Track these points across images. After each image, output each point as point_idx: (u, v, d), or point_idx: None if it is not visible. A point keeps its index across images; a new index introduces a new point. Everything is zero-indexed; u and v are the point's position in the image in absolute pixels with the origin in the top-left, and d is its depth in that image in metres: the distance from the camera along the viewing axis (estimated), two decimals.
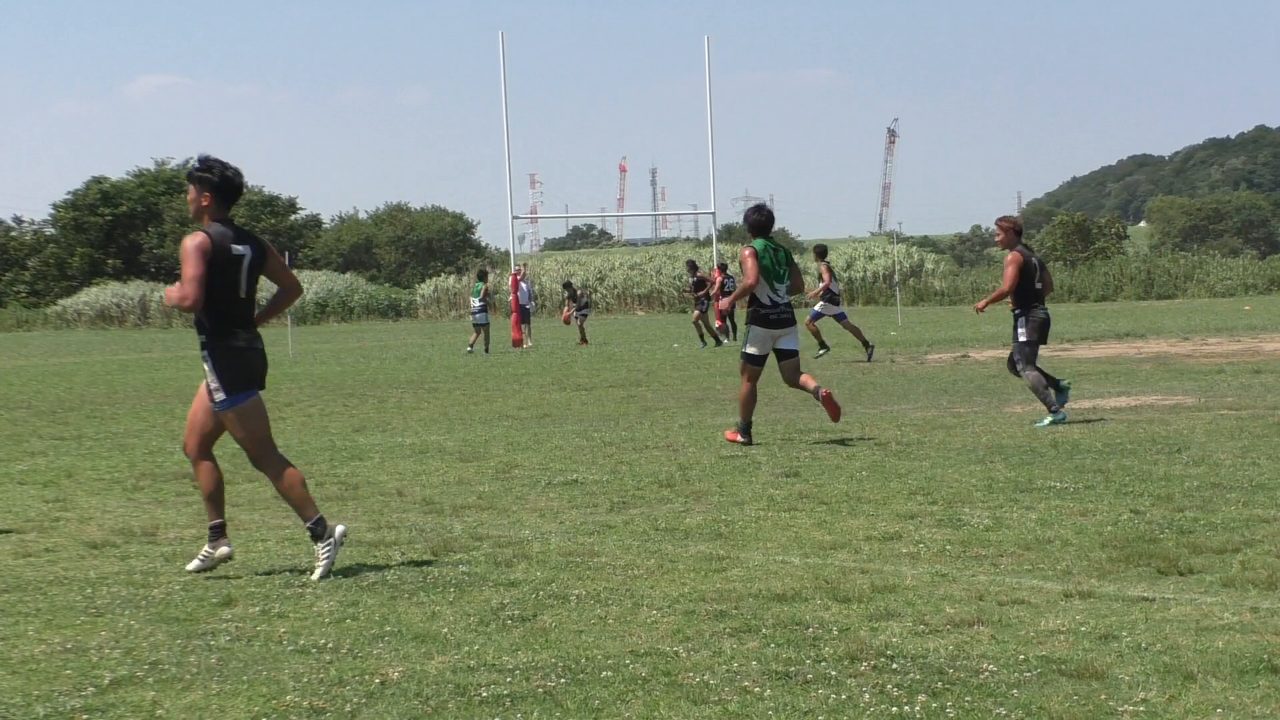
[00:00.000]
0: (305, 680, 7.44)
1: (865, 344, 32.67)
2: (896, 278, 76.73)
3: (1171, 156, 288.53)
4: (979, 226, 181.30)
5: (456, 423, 20.46)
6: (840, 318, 34.63)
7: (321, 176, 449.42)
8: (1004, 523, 11.21)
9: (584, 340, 45.13)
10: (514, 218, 51.63)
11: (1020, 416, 18.85)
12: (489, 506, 12.98)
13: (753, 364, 17.34)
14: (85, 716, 6.96)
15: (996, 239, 19.29)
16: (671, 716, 6.68)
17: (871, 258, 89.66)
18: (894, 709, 6.66)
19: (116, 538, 11.87)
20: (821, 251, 34.83)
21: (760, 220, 17.49)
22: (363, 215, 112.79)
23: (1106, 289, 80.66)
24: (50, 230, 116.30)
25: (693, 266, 46.51)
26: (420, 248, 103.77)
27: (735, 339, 42.86)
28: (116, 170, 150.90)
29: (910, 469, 14.34)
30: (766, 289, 17.13)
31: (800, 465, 14.86)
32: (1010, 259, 18.63)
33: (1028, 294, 18.51)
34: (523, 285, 46.44)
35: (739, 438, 16.96)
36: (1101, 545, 10.24)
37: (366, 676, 7.46)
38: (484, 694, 7.08)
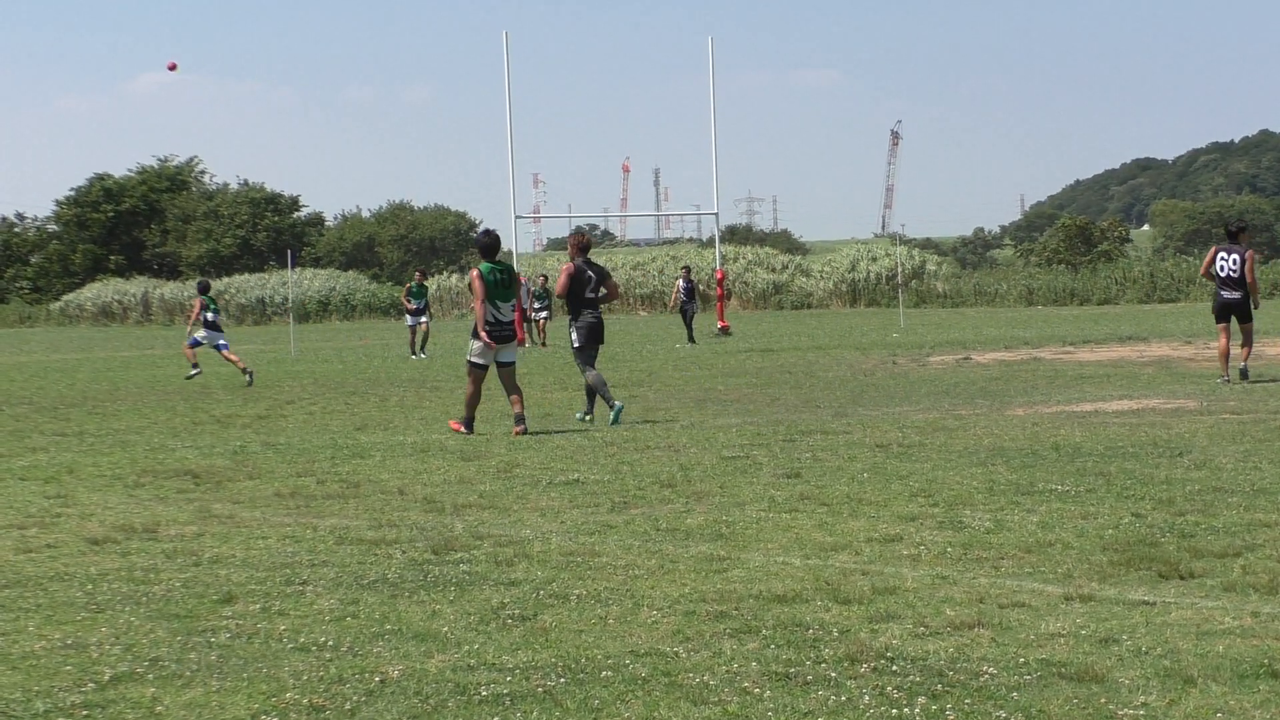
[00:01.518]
0: (305, 678, 7.44)
1: (245, 371, 31.85)
2: (899, 279, 76.72)
3: (1175, 160, 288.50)
4: (981, 229, 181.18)
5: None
6: (222, 348, 33.73)
7: (324, 174, 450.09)
8: (1005, 525, 11.21)
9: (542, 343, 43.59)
10: (517, 217, 51.60)
11: (1022, 419, 18.85)
12: (490, 505, 12.98)
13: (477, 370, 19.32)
14: (85, 713, 6.96)
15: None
16: (671, 717, 6.68)
17: (874, 259, 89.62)
18: (894, 711, 6.66)
19: (117, 534, 11.87)
20: (203, 287, 34.36)
21: (487, 243, 19.55)
22: (365, 214, 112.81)
23: (1109, 292, 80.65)
24: (53, 227, 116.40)
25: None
26: (423, 246, 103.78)
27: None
28: (119, 167, 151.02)
29: (912, 471, 14.33)
30: (491, 308, 19.14)
31: (801, 466, 14.86)
32: None
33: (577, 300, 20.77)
34: (526, 286, 46.49)
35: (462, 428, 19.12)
36: (1102, 549, 10.23)
37: (366, 674, 7.46)
38: (484, 693, 7.08)
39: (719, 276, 55.56)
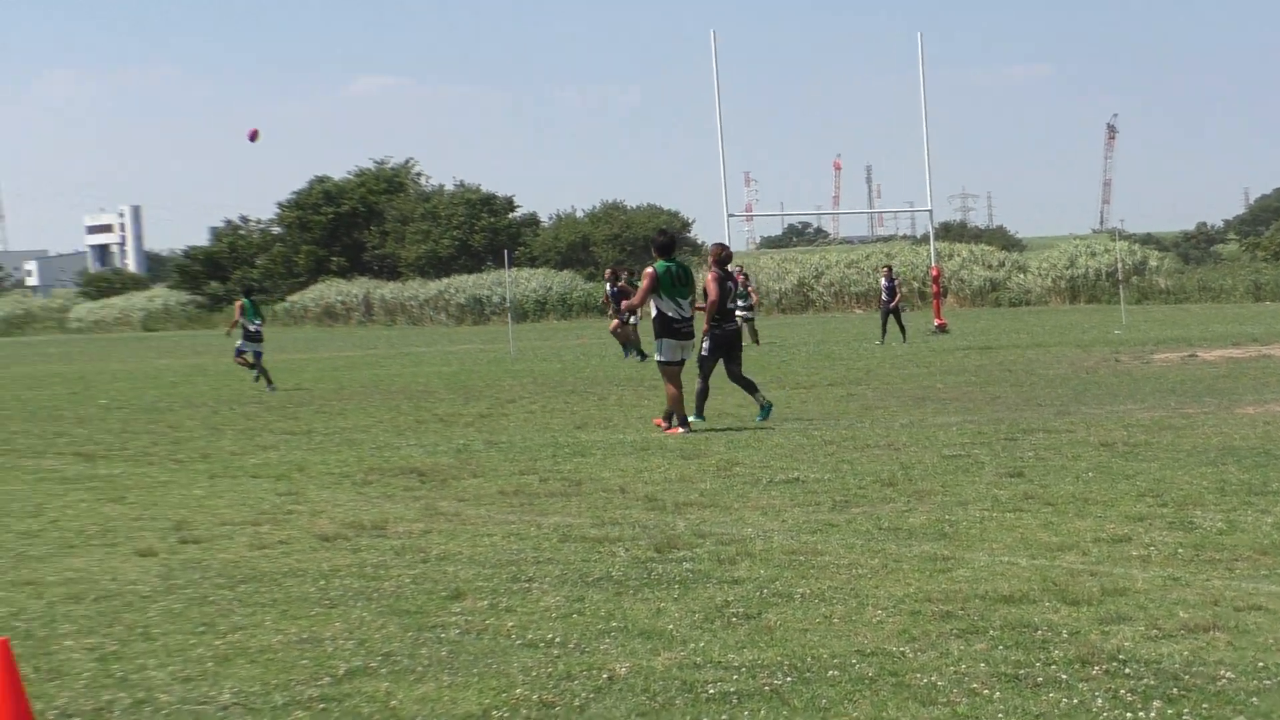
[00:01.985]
0: (534, 674, 7.52)
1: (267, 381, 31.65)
2: (1120, 275, 75.41)
3: None
4: (1204, 223, 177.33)
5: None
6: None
7: (538, 176, 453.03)
8: (1238, 526, 10.96)
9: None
10: (729, 215, 51.59)
11: (1253, 418, 18.43)
12: (711, 504, 13.01)
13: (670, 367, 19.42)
14: (322, 706, 7.10)
15: None
16: (900, 717, 6.65)
17: (1093, 255, 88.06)
18: (1128, 715, 6.55)
19: (347, 531, 12.09)
20: (246, 289, 34.05)
21: (663, 242, 19.77)
22: (579, 214, 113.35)
23: None
24: (276, 229, 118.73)
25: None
26: (636, 245, 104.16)
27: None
28: (338, 170, 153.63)
29: (1138, 470, 14.08)
30: (673, 304, 19.39)
31: (1024, 465, 14.67)
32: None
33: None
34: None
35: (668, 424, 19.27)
36: None
37: (594, 671, 7.52)
38: (711, 691, 7.10)
39: (934, 274, 55.05)
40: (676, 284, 19.42)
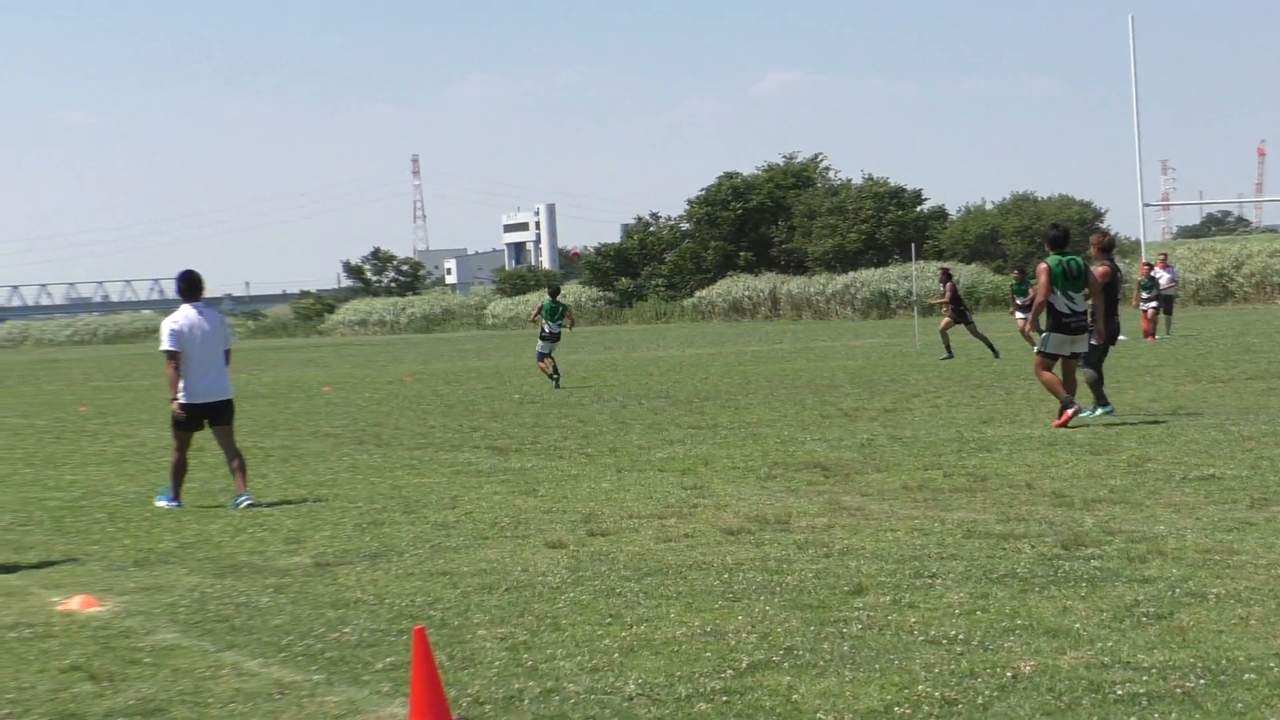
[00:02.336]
0: (936, 671, 7.46)
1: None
2: None
3: None
4: None
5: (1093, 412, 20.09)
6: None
7: (947, 167, 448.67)
8: None
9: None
10: (1144, 205, 50.34)
11: None
12: (1121, 501, 12.70)
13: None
14: (725, 699, 7.17)
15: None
16: None
17: None
18: None
19: (751, 525, 12.18)
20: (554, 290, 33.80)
21: (1056, 236, 19.61)
22: (988, 206, 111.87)
23: None
24: (685, 225, 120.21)
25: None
26: (1046, 237, 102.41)
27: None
28: (746, 166, 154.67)
29: None
30: (1065, 299, 19.11)
31: None
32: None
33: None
34: (1163, 274, 45.35)
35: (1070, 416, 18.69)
36: None
37: (998, 670, 7.42)
38: (1119, 692, 6.94)
39: None
40: (1069, 279, 19.16)
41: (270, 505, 14.95)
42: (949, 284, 40.08)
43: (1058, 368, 19.45)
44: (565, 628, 8.79)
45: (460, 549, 11.75)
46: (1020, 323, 38.94)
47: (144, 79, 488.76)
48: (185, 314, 15.49)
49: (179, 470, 15.51)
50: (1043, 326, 19.35)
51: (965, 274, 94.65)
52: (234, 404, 15.77)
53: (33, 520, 14.71)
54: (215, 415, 15.55)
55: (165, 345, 15.37)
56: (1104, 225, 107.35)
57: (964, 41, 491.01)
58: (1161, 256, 49.93)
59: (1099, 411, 19.77)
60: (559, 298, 35.31)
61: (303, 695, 7.61)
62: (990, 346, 37.45)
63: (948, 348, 38.84)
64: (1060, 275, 19.14)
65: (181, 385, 15.38)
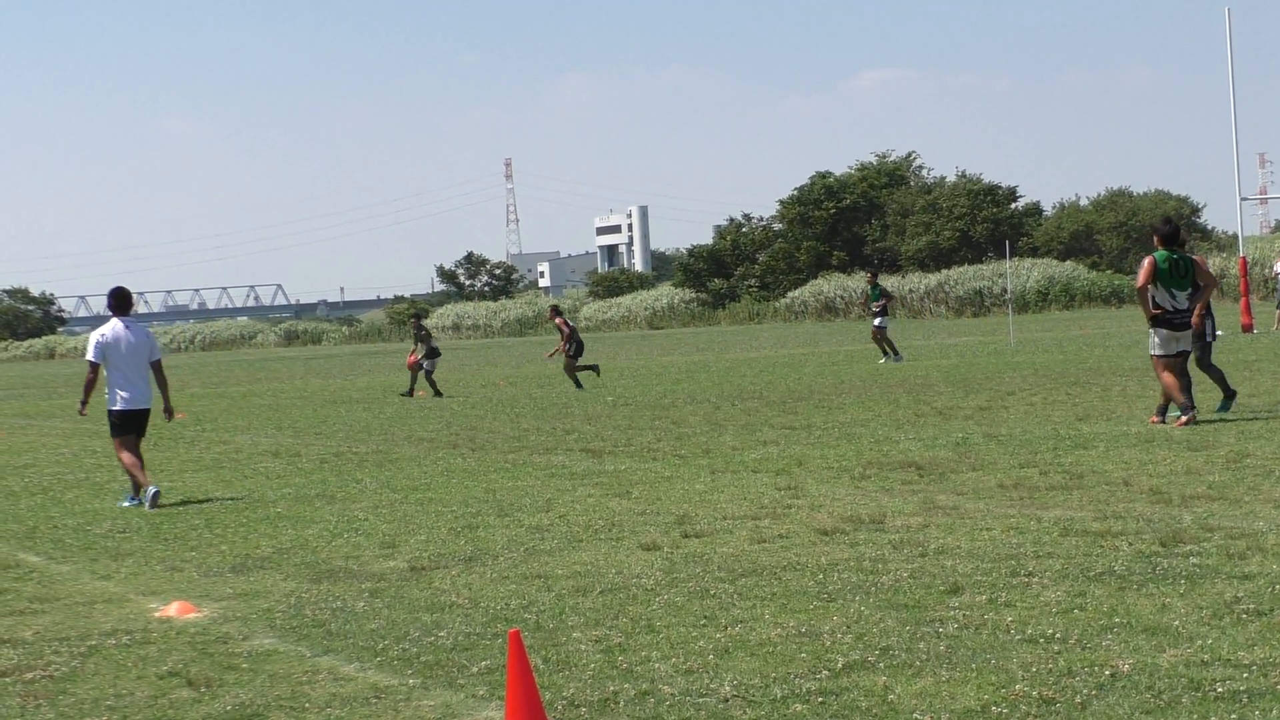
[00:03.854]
0: (1034, 670, 7.41)
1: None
2: None
3: None
4: None
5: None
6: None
7: (1041, 164, 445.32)
8: None
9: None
10: (1241, 199, 49.73)
11: None
12: (1220, 497, 12.57)
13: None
14: (820, 699, 7.16)
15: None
16: None
17: None
18: None
19: (845, 525, 12.15)
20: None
21: (1167, 231, 19.21)
22: (1083, 201, 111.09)
23: None
24: (778, 225, 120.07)
25: None
26: (1143, 233, 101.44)
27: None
28: (839, 165, 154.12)
29: None
30: (1167, 295, 18.90)
31: None
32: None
33: None
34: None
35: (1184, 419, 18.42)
36: None
37: (1096, 668, 7.37)
38: (1219, 689, 6.88)
39: None
40: (1174, 275, 18.90)
41: (176, 505, 15.10)
42: (882, 294, 39.68)
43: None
44: (660, 630, 8.80)
45: (554, 552, 11.78)
46: (874, 330, 38.80)
47: (240, 87, 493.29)
48: (112, 327, 16.85)
49: (131, 468, 16.69)
50: (1147, 327, 19.08)
51: (1060, 271, 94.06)
52: (149, 414, 17.04)
53: (130, 527, 14.87)
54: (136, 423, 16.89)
55: (89, 356, 16.83)
56: (1201, 220, 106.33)
57: (1058, 35, 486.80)
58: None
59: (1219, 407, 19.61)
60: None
61: (399, 699, 7.66)
62: (891, 351, 37.91)
63: (894, 350, 38.65)
64: (1165, 271, 18.88)
65: (114, 394, 16.73)
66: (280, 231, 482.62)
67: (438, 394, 35.57)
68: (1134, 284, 19.11)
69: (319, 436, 25.04)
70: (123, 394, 16.71)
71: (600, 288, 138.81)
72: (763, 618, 8.95)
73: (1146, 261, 18.99)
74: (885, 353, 38.76)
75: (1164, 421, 18.46)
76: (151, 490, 16.28)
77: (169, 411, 17.28)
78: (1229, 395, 19.70)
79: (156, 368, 16.97)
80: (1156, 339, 18.96)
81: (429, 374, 35.67)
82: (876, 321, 38.79)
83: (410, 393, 35.97)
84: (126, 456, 16.65)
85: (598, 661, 8.13)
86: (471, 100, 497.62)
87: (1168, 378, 18.74)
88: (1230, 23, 49.79)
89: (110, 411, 16.81)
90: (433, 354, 35.90)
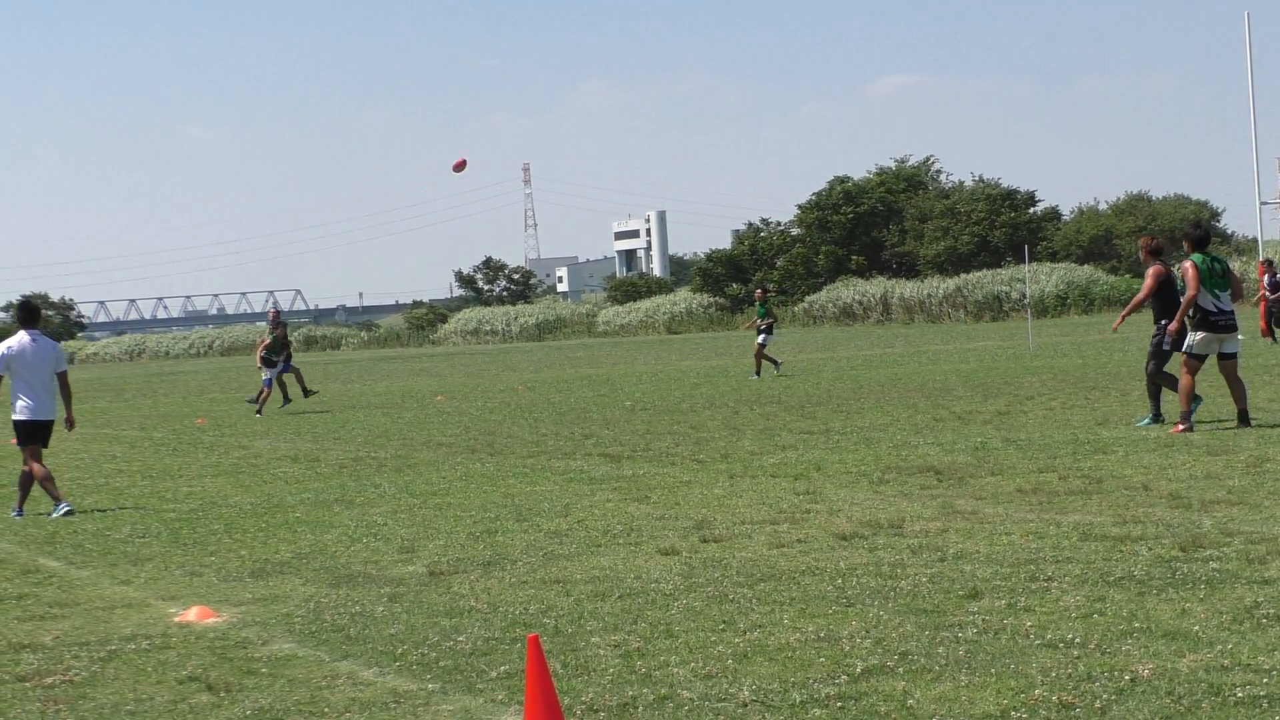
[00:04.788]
0: (1053, 675, 7.41)
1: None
2: None
3: None
4: None
5: (1203, 417, 19.86)
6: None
7: (1060, 168, 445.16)
8: None
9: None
10: (1261, 203, 49.70)
11: None
12: (1239, 502, 12.55)
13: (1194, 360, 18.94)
14: (839, 704, 7.15)
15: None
16: None
17: None
18: None
19: (864, 529, 12.14)
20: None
21: (1199, 235, 19.27)
22: (1102, 206, 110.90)
23: None
24: (795, 230, 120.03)
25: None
26: (1163, 238, 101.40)
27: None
28: (858, 170, 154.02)
29: None
30: (1211, 297, 18.81)
31: None
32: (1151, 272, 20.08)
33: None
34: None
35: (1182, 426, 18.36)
36: None
37: (1116, 673, 7.36)
38: (1239, 694, 6.87)
39: None
40: (1215, 276, 18.83)
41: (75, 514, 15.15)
42: (768, 313, 39.18)
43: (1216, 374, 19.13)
44: (678, 634, 8.80)
45: (573, 557, 11.79)
46: (757, 346, 38.39)
47: (259, 94, 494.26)
48: (19, 339, 17.12)
49: (25, 481, 17.20)
50: (1189, 326, 18.96)
51: (1079, 275, 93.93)
52: (53, 426, 17.33)
53: (150, 532, 14.91)
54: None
55: None
56: (1221, 224, 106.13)
57: (1077, 40, 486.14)
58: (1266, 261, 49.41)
59: (1145, 421, 19.52)
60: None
61: (418, 704, 7.67)
62: (769, 364, 37.66)
63: (773, 362, 38.58)
64: (1206, 273, 18.81)
65: (17, 404, 17.06)
66: (299, 237, 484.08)
67: (286, 400, 35.79)
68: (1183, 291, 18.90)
69: (338, 441, 25.08)
70: (26, 404, 16.96)
71: (619, 292, 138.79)
72: (781, 622, 8.94)
73: (1189, 268, 18.78)
74: (765, 367, 38.41)
75: (1189, 428, 18.40)
76: (64, 508, 16.61)
77: (70, 422, 17.47)
78: (1155, 416, 19.63)
79: (62, 379, 17.17)
80: (1195, 339, 18.84)
81: (280, 376, 35.56)
82: (761, 339, 38.42)
83: (263, 403, 35.26)
84: (38, 469, 16.92)
85: (616, 666, 8.13)
86: (491, 105, 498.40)
87: (1187, 380, 18.65)
88: (1250, 25, 49.77)
89: (15, 422, 17.10)
90: (287, 361, 35.85)
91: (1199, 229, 19.40)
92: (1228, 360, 18.85)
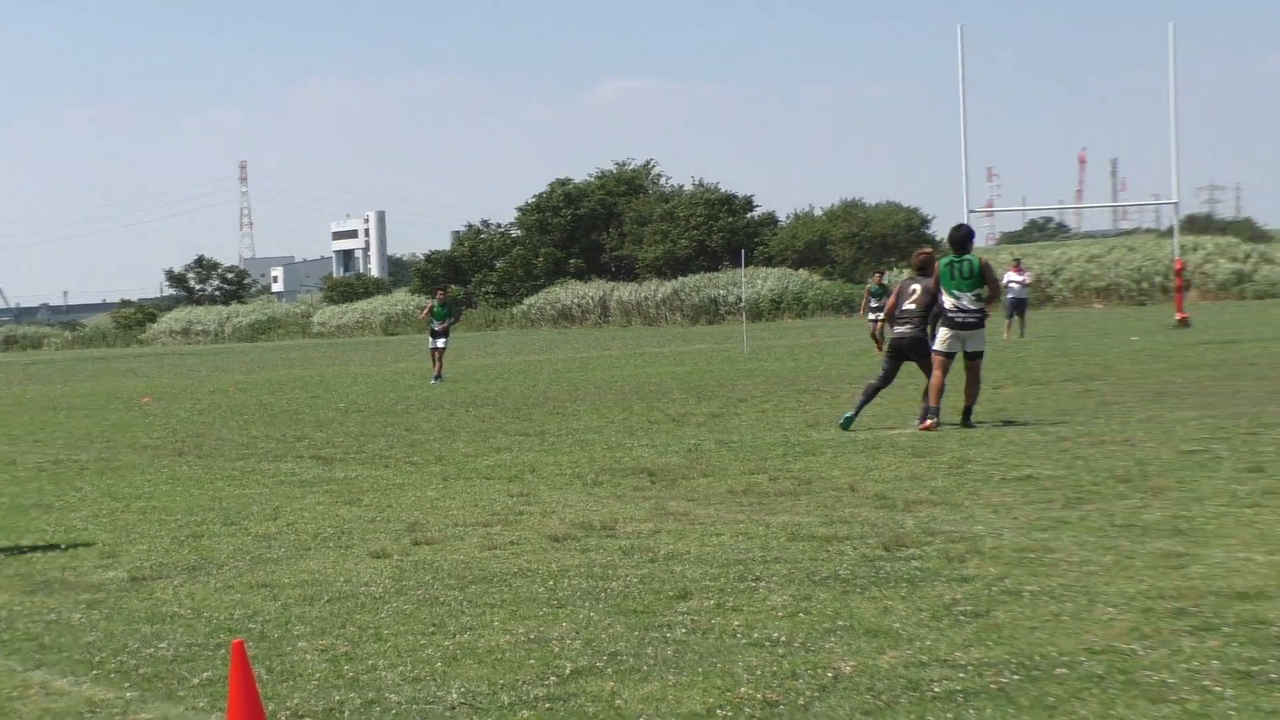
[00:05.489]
0: (759, 673, 7.53)
1: None
2: None
3: None
4: None
5: (909, 417, 20.37)
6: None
7: (778, 174, 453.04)
8: None
9: None
10: (969, 211, 51.05)
11: None
12: (941, 502, 12.90)
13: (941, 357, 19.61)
14: (548, 705, 7.18)
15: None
16: (1129, 715, 6.55)
17: None
18: None
19: (577, 531, 12.20)
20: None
21: (956, 237, 20.03)
22: (817, 212, 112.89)
23: None
24: (516, 232, 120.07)
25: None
26: (874, 243, 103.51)
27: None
28: (579, 173, 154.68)
29: None
30: (950, 297, 19.53)
31: (1265, 460, 14.33)
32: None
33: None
34: (1016, 276, 46.21)
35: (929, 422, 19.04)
36: None
37: (819, 670, 7.51)
38: (936, 689, 7.06)
39: (1178, 267, 53.95)
40: (955, 278, 19.51)
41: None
42: (449, 314, 39.37)
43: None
44: (387, 638, 8.75)
45: (281, 560, 11.63)
46: (438, 350, 38.49)
47: None
48: None
49: None
50: (939, 325, 19.65)
51: (794, 280, 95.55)
52: None
53: None
54: None
55: None
56: (930, 231, 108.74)
57: (797, 49, 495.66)
58: (1015, 261, 50.93)
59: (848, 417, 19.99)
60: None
61: (114, 713, 7.50)
62: (434, 370, 37.99)
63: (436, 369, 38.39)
64: (946, 275, 19.57)
65: None
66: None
67: None
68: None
69: (37, 444, 24.41)
70: None
71: (335, 293, 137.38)
72: (491, 625, 8.94)
73: (936, 264, 19.88)
74: (440, 374, 38.11)
75: (934, 426, 18.90)
76: None
77: None
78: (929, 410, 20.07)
79: None
80: (940, 337, 19.60)
81: None
82: (440, 343, 38.17)
83: None
84: None
85: (323, 671, 8.05)
86: (209, 102, 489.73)
87: (937, 377, 19.30)
88: (961, 41, 51.13)
89: None
90: None
91: (956, 232, 20.16)
92: (973, 359, 19.48)
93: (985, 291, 19.49)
